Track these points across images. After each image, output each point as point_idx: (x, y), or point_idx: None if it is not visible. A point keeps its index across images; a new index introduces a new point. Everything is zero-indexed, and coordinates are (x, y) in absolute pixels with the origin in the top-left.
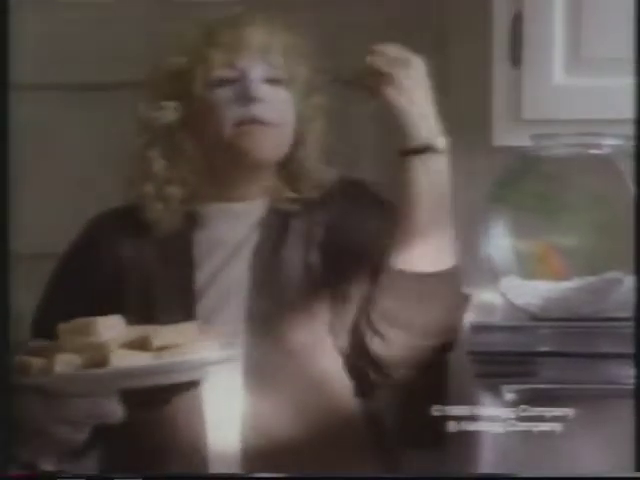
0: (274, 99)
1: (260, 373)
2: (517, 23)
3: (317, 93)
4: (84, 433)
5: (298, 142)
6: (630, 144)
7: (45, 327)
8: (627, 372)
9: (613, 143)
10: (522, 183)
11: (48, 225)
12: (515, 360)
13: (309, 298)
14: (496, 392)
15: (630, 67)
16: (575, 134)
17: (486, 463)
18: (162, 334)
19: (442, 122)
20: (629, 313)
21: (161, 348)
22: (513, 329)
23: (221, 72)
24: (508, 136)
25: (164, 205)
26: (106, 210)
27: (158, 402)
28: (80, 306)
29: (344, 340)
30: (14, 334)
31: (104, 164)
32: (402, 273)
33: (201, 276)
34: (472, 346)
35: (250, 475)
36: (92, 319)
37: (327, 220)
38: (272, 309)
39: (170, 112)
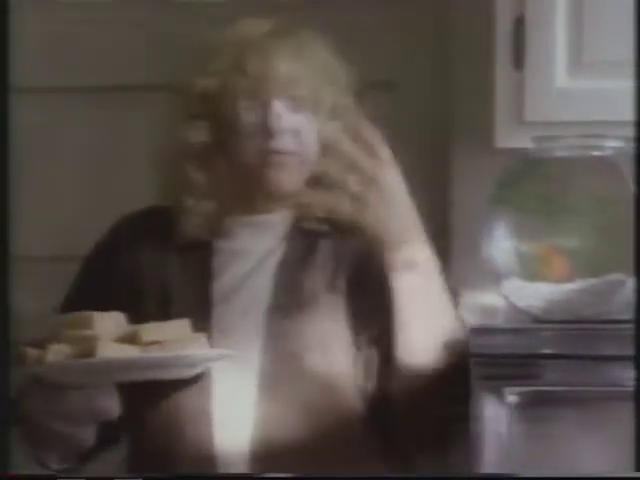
0: (297, 128)
1: (272, 381)
2: (519, 26)
3: (341, 114)
4: (87, 432)
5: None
6: (632, 146)
7: None
8: (630, 374)
9: (615, 145)
10: (524, 185)
11: (47, 228)
12: (517, 362)
13: (329, 319)
14: (498, 394)
15: (632, 70)
16: (577, 136)
17: (488, 464)
18: (153, 330)
19: (444, 124)
20: (632, 315)
21: (150, 343)
22: (515, 331)
23: (246, 101)
24: (510, 138)
25: (200, 219)
26: (132, 212)
27: (154, 400)
28: (98, 307)
29: (365, 377)
30: (14, 334)
31: (104, 167)
32: (402, 364)
33: (219, 285)
34: (474, 348)
35: (251, 475)
36: (90, 313)
37: (358, 247)
38: (290, 325)
39: (203, 132)
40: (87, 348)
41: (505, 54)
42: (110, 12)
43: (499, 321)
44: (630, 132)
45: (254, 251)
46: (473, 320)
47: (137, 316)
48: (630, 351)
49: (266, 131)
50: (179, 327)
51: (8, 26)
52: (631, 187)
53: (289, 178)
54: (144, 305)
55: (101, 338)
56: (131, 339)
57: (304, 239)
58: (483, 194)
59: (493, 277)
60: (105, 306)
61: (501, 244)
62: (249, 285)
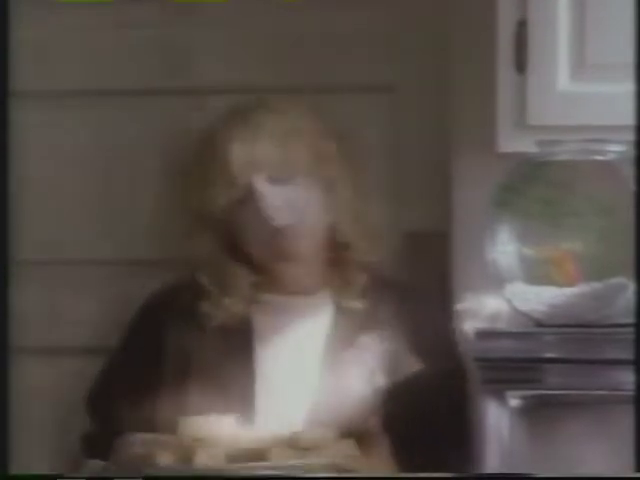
0: (287, 198)
1: None
2: (522, 29)
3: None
4: None
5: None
6: (634, 150)
7: (103, 406)
8: (631, 378)
9: (617, 149)
10: (527, 189)
11: (47, 232)
12: (520, 366)
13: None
14: (501, 398)
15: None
16: (580, 140)
17: (490, 467)
18: (305, 436)
19: (446, 128)
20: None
21: (307, 449)
22: (518, 335)
23: (231, 193)
24: (513, 142)
25: (229, 299)
26: (159, 292)
27: None
28: (145, 385)
29: None
30: (14, 337)
31: (104, 170)
32: None
33: (263, 363)
34: (477, 352)
35: (252, 475)
36: (219, 417)
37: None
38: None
39: (210, 242)
40: (252, 453)
41: (508, 57)
42: (110, 16)
43: (502, 325)
44: (632, 136)
45: (297, 329)
46: (476, 324)
47: (181, 393)
48: (632, 355)
49: (261, 217)
50: (327, 435)
51: (8, 30)
52: (633, 191)
53: (298, 246)
54: (187, 381)
55: (269, 444)
56: (290, 444)
57: (350, 316)
58: (486, 198)
59: (496, 281)
60: (151, 392)
61: (504, 248)
62: (295, 362)
